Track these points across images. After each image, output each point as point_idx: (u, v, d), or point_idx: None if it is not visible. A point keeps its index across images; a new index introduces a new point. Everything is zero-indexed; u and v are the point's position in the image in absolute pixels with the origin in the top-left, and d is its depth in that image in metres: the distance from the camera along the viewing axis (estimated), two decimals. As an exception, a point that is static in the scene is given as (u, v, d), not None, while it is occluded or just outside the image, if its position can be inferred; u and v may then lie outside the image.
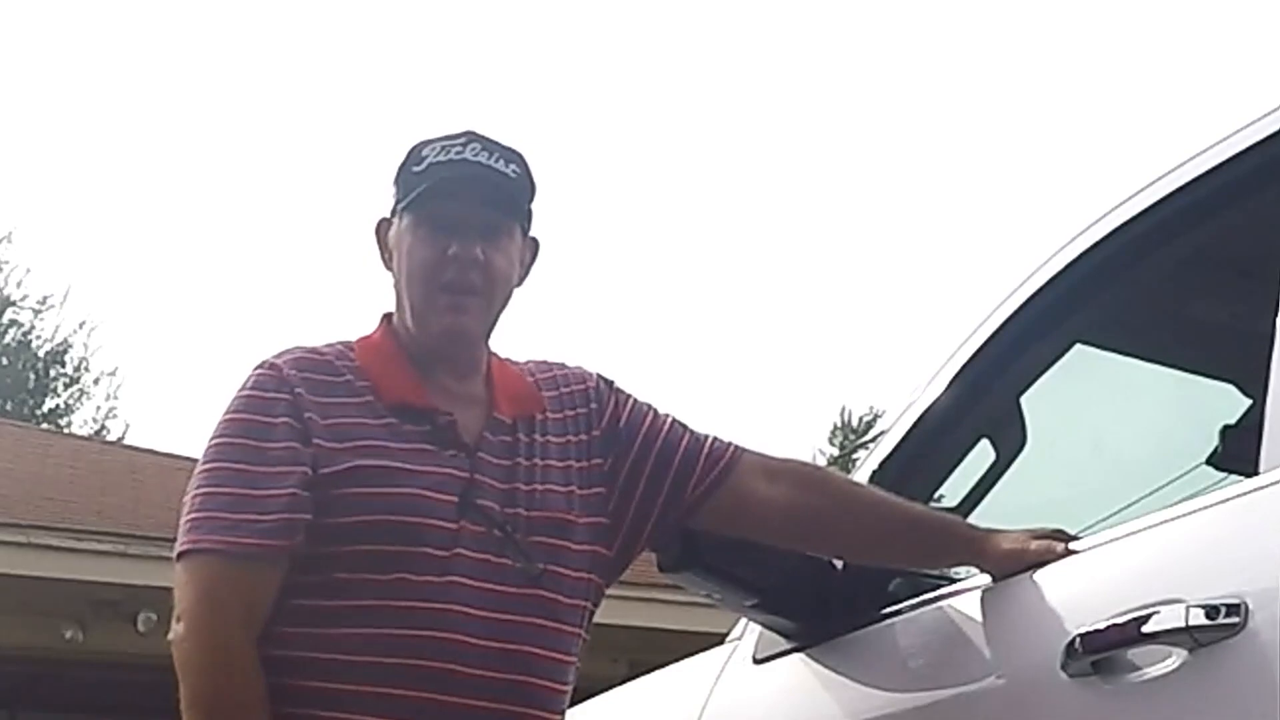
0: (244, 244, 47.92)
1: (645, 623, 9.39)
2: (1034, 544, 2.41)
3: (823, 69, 48.06)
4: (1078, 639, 2.18)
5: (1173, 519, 2.22)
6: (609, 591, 2.51)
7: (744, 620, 2.87)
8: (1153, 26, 46.18)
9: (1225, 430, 2.80)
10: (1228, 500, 2.16)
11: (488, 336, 2.50)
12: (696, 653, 3.06)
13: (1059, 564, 2.36)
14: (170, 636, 2.29)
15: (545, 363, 2.59)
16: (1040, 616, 2.33)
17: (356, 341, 2.49)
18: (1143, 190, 2.50)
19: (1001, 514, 2.68)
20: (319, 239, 46.12)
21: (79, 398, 31.48)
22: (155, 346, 46.59)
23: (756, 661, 2.80)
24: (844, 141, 50.03)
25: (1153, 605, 2.10)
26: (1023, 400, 2.75)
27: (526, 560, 2.36)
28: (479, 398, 2.46)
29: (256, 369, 2.41)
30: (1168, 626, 2.07)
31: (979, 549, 2.49)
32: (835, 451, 33.04)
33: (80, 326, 31.46)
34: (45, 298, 31.28)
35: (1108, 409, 3.30)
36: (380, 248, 2.52)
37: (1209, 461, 2.81)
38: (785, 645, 2.73)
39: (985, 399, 2.73)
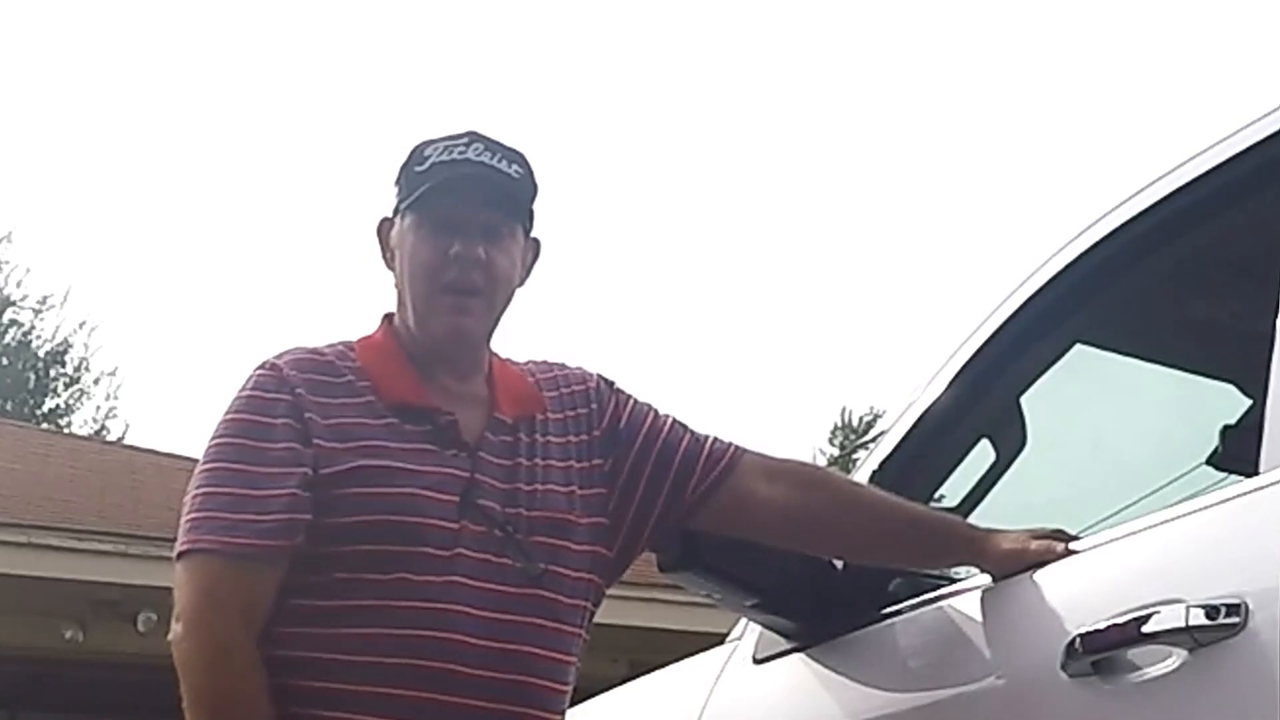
0: (244, 244, 47.95)
1: (645, 623, 9.39)
2: (1034, 544, 2.41)
3: (823, 69, 48.08)
4: (1078, 639, 2.18)
5: (1173, 519, 2.22)
6: (609, 591, 2.51)
7: (744, 620, 2.87)
8: (1153, 26, 46.19)
9: (1225, 430, 2.81)
10: (1228, 500, 2.16)
11: (489, 337, 2.50)
12: (696, 653, 3.06)
13: (1059, 564, 2.36)
14: (170, 637, 2.30)
15: (546, 363, 2.59)
16: (1040, 616, 2.33)
17: (357, 342, 2.49)
18: (1143, 190, 2.50)
19: (1001, 514, 2.68)
20: (319, 239, 46.14)
21: (79, 398, 31.50)
22: (155, 346, 46.62)
23: (756, 661, 2.80)
24: (844, 141, 50.05)
25: (1153, 605, 2.10)
26: (1023, 400, 2.75)
27: (527, 560, 2.36)
28: (480, 398, 2.46)
29: (257, 369, 2.41)
30: (1168, 626, 2.07)
31: (979, 549, 2.49)
32: (835, 451, 33.05)
33: (80, 326, 31.50)
34: (45, 298, 31.33)
35: (1108, 409, 3.30)
36: (382, 247, 2.52)
37: (1209, 461, 2.81)
38: (785, 645, 2.73)
39: (985, 399, 2.73)
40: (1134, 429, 3.31)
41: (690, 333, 47.21)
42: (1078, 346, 2.80)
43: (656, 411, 2.59)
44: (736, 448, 2.57)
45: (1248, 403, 2.79)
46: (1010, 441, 2.78)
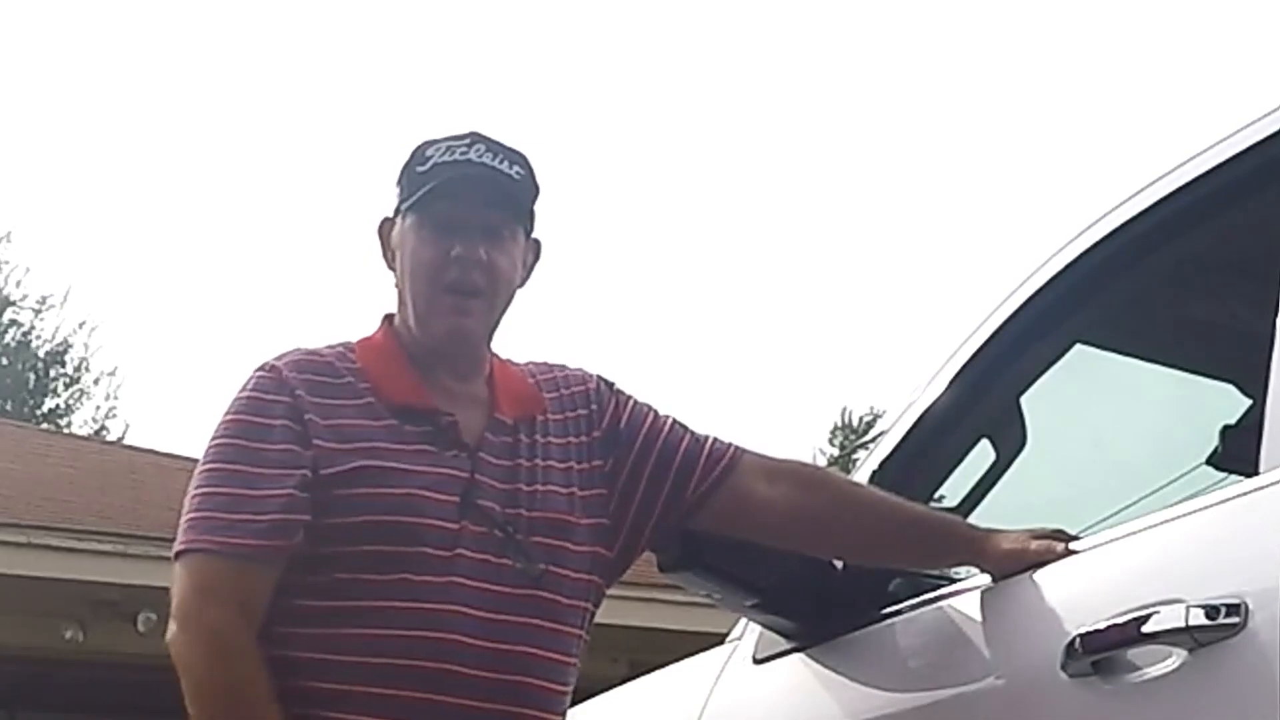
0: (244, 244, 47.95)
1: (645, 623, 9.39)
2: (1034, 544, 2.41)
3: (823, 69, 48.08)
4: (1078, 639, 2.18)
5: (1173, 519, 2.22)
6: (609, 591, 2.51)
7: (744, 620, 2.87)
8: (1153, 26, 46.19)
9: (1225, 430, 2.80)
10: (1228, 500, 2.16)
11: (490, 337, 2.50)
12: (696, 653, 3.06)
13: (1059, 564, 2.36)
14: (167, 637, 2.30)
15: (546, 364, 2.59)
16: (1040, 616, 2.33)
17: (357, 343, 2.49)
18: (1143, 190, 2.50)
19: (1001, 514, 2.68)
20: (319, 239, 46.14)
21: (79, 398, 31.50)
22: (155, 346, 46.62)
23: (756, 661, 2.80)
24: (844, 142, 50.05)
25: (1153, 605, 2.10)
26: (1023, 400, 2.75)
27: (527, 561, 2.36)
28: (480, 398, 2.46)
29: (256, 371, 2.41)
30: (1168, 626, 2.07)
31: (979, 549, 2.49)
32: (835, 451, 33.05)
33: (80, 326, 31.50)
34: (45, 298, 31.33)
35: (1108, 409, 3.30)
36: (383, 247, 2.52)
37: (1209, 461, 2.81)
38: (785, 645, 2.73)
39: (985, 399, 2.73)
40: (1134, 429, 3.31)
41: (690, 333, 47.23)
42: (1078, 346, 2.80)
43: (656, 412, 2.59)
44: (736, 448, 2.57)
45: (1248, 403, 2.79)
46: (1010, 441, 2.78)
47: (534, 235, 2.53)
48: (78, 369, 31.51)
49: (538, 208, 2.51)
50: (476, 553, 2.33)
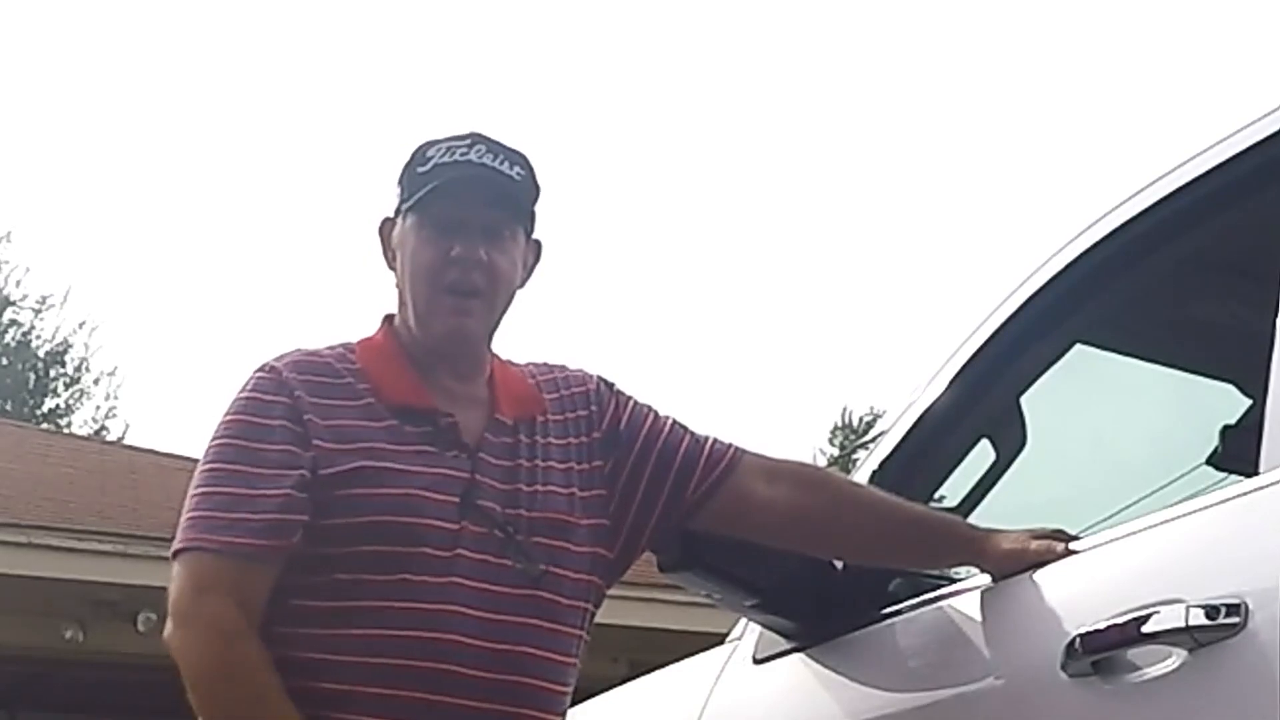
0: (244, 244, 47.95)
1: (645, 623, 9.39)
2: (1034, 544, 2.41)
3: (822, 69, 48.08)
4: (1078, 639, 2.18)
5: (1173, 519, 2.22)
6: (609, 591, 2.51)
7: (744, 620, 2.87)
8: (1153, 26, 46.19)
9: (1225, 430, 2.80)
10: (1228, 500, 2.16)
11: (490, 338, 2.50)
12: (696, 653, 3.06)
13: (1059, 564, 2.36)
14: (165, 635, 2.30)
15: (546, 365, 2.59)
16: (1040, 616, 2.33)
17: (358, 343, 2.49)
18: (1143, 190, 2.50)
19: (1001, 514, 2.68)
20: (320, 239, 46.14)
21: (79, 398, 31.52)
22: (155, 346, 46.63)
23: (756, 661, 2.80)
24: (844, 142, 50.05)
25: (1153, 605, 2.10)
26: (1023, 400, 2.75)
27: (527, 561, 2.36)
28: (481, 399, 2.46)
29: (256, 372, 2.42)
30: (1168, 626, 2.07)
31: (979, 549, 2.49)
32: (835, 451, 33.06)
33: (80, 326, 31.52)
34: (45, 298, 31.35)
35: (1108, 409, 3.30)
36: (383, 247, 2.52)
37: (1209, 461, 2.81)
38: (785, 645, 2.73)
39: (985, 399, 2.73)
40: (1134, 429, 3.31)
41: (690, 333, 47.23)
42: (1078, 346, 2.80)
43: (657, 413, 2.59)
44: (736, 448, 2.57)
45: (1248, 403, 2.79)
46: (1010, 441, 2.78)
47: (534, 236, 2.53)
48: (78, 369, 31.53)
49: (538, 208, 2.51)
50: (476, 553, 2.33)
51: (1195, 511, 2.20)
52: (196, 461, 2.40)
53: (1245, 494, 2.14)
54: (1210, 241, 2.62)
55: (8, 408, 29.19)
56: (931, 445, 2.75)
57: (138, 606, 9.41)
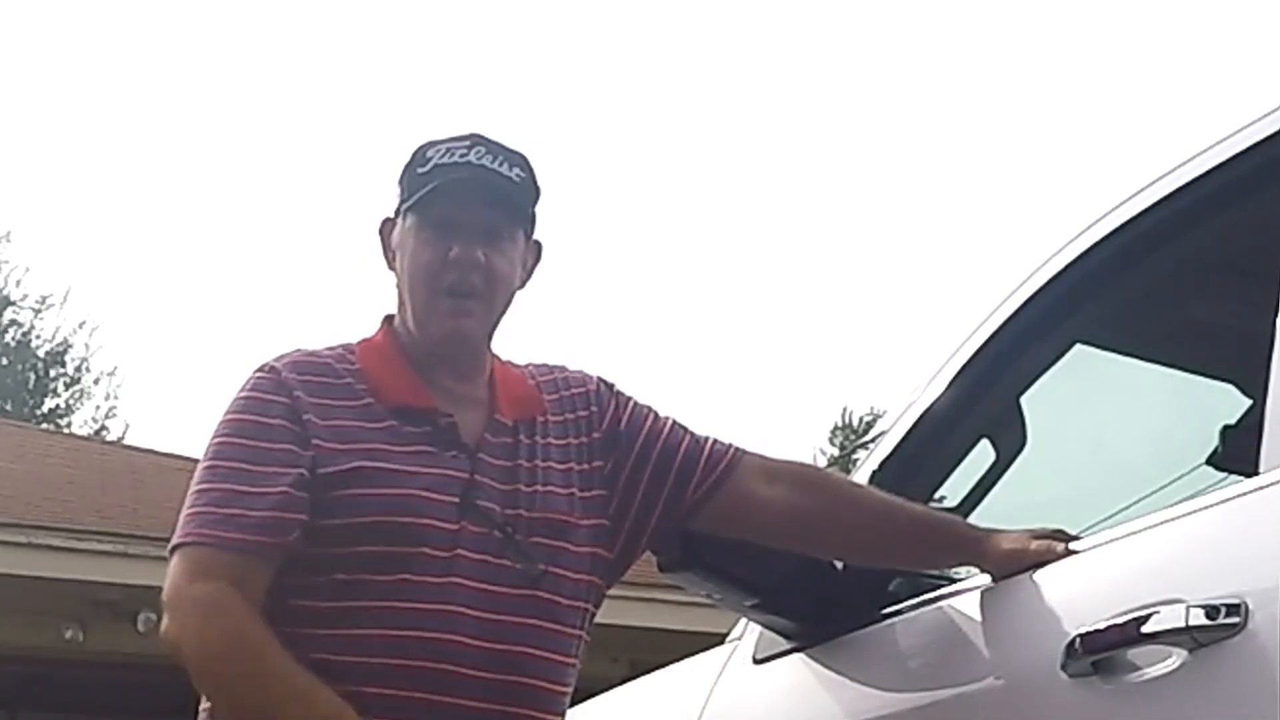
0: (244, 244, 47.94)
1: (645, 623, 9.40)
2: (1034, 544, 2.41)
3: (822, 69, 48.08)
4: (1078, 639, 2.18)
5: (1173, 519, 2.22)
6: (609, 591, 2.51)
7: (744, 620, 2.87)
8: (1153, 26, 46.19)
9: (1225, 430, 2.80)
10: (1228, 500, 2.16)
11: (490, 339, 2.50)
12: (696, 653, 3.06)
13: (1059, 564, 2.36)
14: (160, 630, 2.29)
15: (546, 365, 2.59)
16: (1040, 616, 2.33)
17: (358, 344, 2.49)
18: (1143, 190, 2.50)
19: (1001, 514, 2.68)
20: (320, 239, 46.14)
21: (79, 398, 31.52)
22: (155, 346, 46.63)
23: (756, 661, 2.80)
24: (844, 142, 50.04)
25: (1153, 605, 2.10)
26: (1023, 400, 2.75)
27: (527, 561, 2.36)
28: (480, 399, 2.46)
29: (255, 372, 2.42)
30: (1168, 626, 2.07)
31: (979, 549, 2.49)
32: (835, 451, 33.06)
33: (80, 326, 31.52)
34: (45, 298, 31.35)
35: (1108, 409, 3.30)
36: (384, 248, 2.52)
37: (1209, 461, 2.81)
38: (785, 645, 2.73)
39: (985, 399, 2.73)
40: (1134, 429, 3.31)
41: (690, 334, 47.23)
42: (1078, 346, 2.80)
43: (656, 413, 2.59)
44: (736, 449, 2.57)
45: (1248, 403, 2.79)
46: (1010, 441, 2.77)
47: (535, 237, 2.53)
48: (78, 369, 31.53)
49: (539, 210, 2.51)
50: (476, 553, 2.33)
51: (1195, 511, 2.19)
52: (197, 461, 2.40)
53: (1245, 494, 2.13)
54: (1210, 241, 2.62)
55: (8, 408, 29.19)
56: (931, 445, 2.74)
57: (138, 606, 9.42)
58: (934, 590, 2.57)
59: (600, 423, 2.53)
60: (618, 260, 49.07)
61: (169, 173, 43.85)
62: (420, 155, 2.47)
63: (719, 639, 2.99)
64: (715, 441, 2.57)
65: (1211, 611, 2.03)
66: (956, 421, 2.72)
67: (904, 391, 2.81)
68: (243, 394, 2.39)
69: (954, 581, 2.59)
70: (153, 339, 46.79)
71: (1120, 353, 3.02)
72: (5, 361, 30.87)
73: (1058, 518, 2.51)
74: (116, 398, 31.74)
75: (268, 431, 2.34)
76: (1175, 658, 2.07)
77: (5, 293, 30.95)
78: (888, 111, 45.91)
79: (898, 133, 47.17)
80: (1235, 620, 2.01)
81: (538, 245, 2.54)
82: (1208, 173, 2.40)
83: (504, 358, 2.54)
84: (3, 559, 9.41)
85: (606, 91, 47.31)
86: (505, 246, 2.45)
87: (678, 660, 3.13)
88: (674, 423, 2.58)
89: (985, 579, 2.47)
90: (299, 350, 2.46)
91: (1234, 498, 2.15)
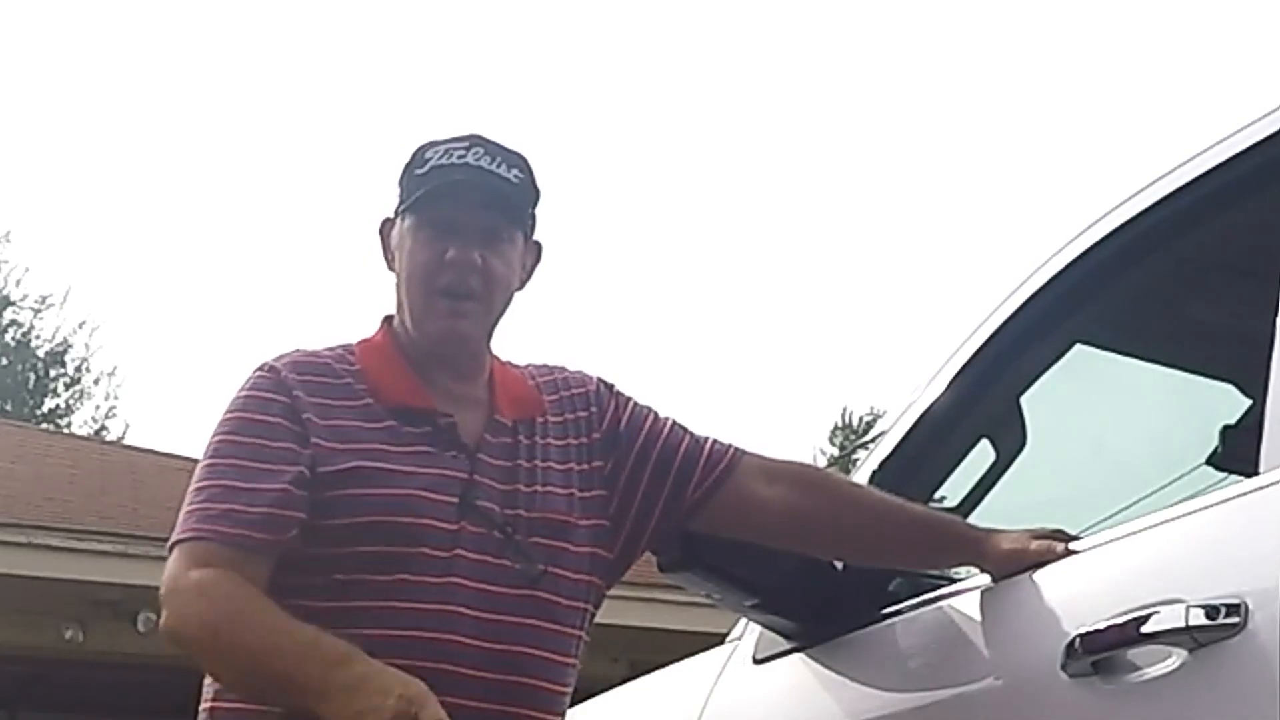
0: (244, 245, 47.94)
1: (645, 623, 9.40)
2: (1034, 544, 2.41)
3: (822, 69, 48.08)
4: (1078, 639, 2.18)
5: (1173, 519, 2.22)
6: (609, 591, 2.51)
7: (744, 620, 2.87)
8: (1153, 26, 46.19)
9: (1225, 430, 2.80)
10: (1228, 500, 2.16)
11: (488, 339, 2.50)
12: (696, 653, 3.06)
13: (1059, 564, 2.36)
14: (159, 626, 2.29)
15: (546, 366, 2.59)
16: (1040, 616, 2.33)
17: (357, 344, 2.49)
18: (1143, 190, 2.50)
19: (1001, 514, 2.68)
20: (320, 239, 46.14)
21: (79, 398, 31.52)
22: (155, 346, 46.63)
23: (756, 661, 2.80)
24: (844, 142, 50.04)
25: (1153, 605, 2.10)
26: (1023, 400, 2.75)
27: (526, 562, 2.36)
28: (480, 400, 2.46)
29: (255, 371, 2.42)
30: (1167, 626, 2.07)
31: (979, 549, 2.49)
32: (835, 451, 33.05)
33: (80, 326, 31.52)
34: (45, 298, 31.35)
35: (1108, 409, 3.30)
36: (383, 248, 2.52)
37: (1209, 461, 2.81)
38: (785, 645, 2.73)
39: (985, 399, 2.73)
40: (1134, 429, 3.31)
41: (690, 334, 47.24)
42: (1078, 346, 2.80)
43: (656, 414, 2.59)
44: (736, 449, 2.57)
45: (1248, 403, 2.79)
46: (1010, 441, 2.77)
47: (535, 238, 2.53)
48: (78, 369, 31.53)
49: (538, 211, 2.51)
50: (475, 553, 2.33)
51: (1195, 511, 2.19)
52: (196, 461, 2.40)
53: (1245, 494, 2.13)
54: (1210, 241, 2.63)
55: (8, 408, 29.19)
56: (931, 445, 2.74)
57: (138, 606, 9.42)
58: (934, 590, 2.57)
59: (600, 423, 2.53)
60: (617, 260, 49.10)
61: (169, 173, 43.88)
62: (419, 156, 2.47)
63: (719, 639, 2.99)
64: (715, 442, 2.57)
65: (1211, 611, 2.03)
66: (956, 421, 2.72)
67: (904, 391, 2.81)
68: (243, 393, 2.40)
69: (954, 581, 2.59)
70: (153, 339, 46.84)
71: (1120, 353, 3.02)
72: (5, 361, 30.87)
73: (1058, 518, 2.51)
74: (116, 398, 31.78)
75: (267, 430, 2.34)
76: (1175, 658, 2.07)
77: (5, 293, 30.96)
78: (888, 111, 45.92)
79: (898, 133, 47.20)
80: (1235, 620, 2.01)
81: (537, 246, 2.54)
82: (1208, 173, 2.40)
83: (504, 358, 2.54)
84: (3, 559, 9.41)
85: (606, 91, 47.34)
86: (503, 248, 2.45)
87: (678, 660, 3.13)
88: (674, 423, 2.58)
89: (985, 579, 2.47)
90: (299, 350, 2.46)
91: (1234, 498, 2.15)
